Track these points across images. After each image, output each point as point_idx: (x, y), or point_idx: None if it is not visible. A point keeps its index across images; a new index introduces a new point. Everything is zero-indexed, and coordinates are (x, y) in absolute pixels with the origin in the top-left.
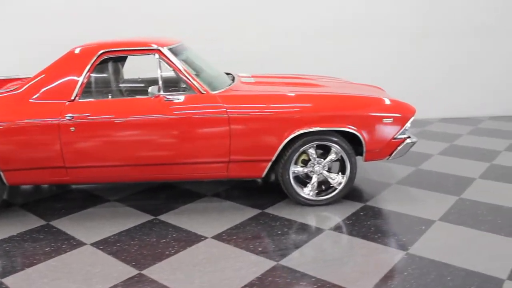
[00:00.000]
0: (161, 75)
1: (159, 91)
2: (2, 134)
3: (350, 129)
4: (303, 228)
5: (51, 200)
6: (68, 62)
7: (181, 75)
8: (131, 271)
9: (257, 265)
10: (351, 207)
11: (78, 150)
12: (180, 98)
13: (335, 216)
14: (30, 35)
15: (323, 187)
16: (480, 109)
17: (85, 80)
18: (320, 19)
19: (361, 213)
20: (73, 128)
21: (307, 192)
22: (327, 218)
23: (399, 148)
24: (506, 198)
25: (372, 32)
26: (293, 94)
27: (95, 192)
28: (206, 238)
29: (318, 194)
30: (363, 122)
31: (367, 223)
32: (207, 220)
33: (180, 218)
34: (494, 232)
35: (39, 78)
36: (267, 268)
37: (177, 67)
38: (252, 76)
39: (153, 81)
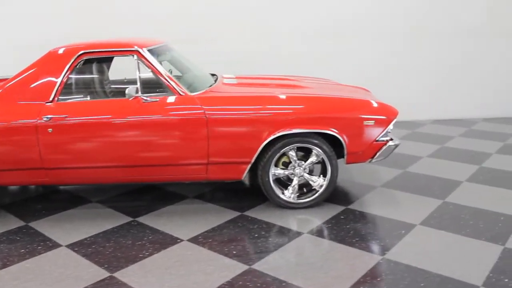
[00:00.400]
0: (140, 76)
1: (137, 92)
2: None
3: (330, 131)
4: (281, 231)
5: (34, 201)
6: (47, 63)
7: (159, 77)
8: (103, 274)
9: (229, 268)
10: (332, 210)
11: (56, 151)
12: (158, 99)
13: (315, 219)
14: (26, 35)
15: (305, 190)
16: (475, 110)
17: (64, 81)
18: (319, 20)
19: (342, 217)
20: (51, 129)
21: (288, 194)
22: (306, 221)
23: (381, 150)
24: (491, 201)
25: (365, 32)
26: (273, 96)
27: (79, 193)
28: (182, 240)
29: (300, 196)
30: (344, 124)
31: (347, 226)
32: (185, 222)
33: (159, 220)
34: (475, 237)
35: (18, 79)
36: (239, 272)
37: (155, 68)
38: (236, 77)
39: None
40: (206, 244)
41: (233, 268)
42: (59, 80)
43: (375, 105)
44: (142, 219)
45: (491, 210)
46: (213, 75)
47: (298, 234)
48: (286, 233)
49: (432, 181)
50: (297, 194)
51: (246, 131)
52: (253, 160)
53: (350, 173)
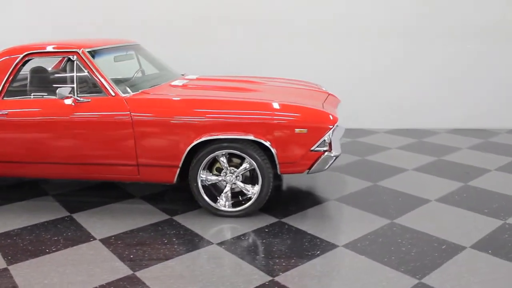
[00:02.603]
0: (76, 77)
1: (70, 92)
2: None
3: (256, 138)
4: (193, 239)
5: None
6: None
7: (94, 77)
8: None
9: (113, 272)
10: (263, 222)
11: None
12: (90, 100)
13: (237, 230)
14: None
15: (240, 198)
16: (502, 120)
17: (9, 80)
18: (324, 18)
19: (266, 230)
20: None
21: (222, 202)
22: (226, 232)
23: (318, 161)
24: (445, 226)
25: (377, 33)
26: (200, 99)
27: (43, 185)
28: (94, 240)
29: (235, 205)
30: (271, 131)
31: (263, 241)
32: (112, 222)
33: (90, 218)
34: (394, 267)
35: None
36: (119, 277)
37: (91, 69)
38: (196, 79)
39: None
40: (113, 245)
41: (118, 272)
42: (4, 79)
43: (309, 112)
44: (76, 215)
45: (438, 236)
46: (182, 75)
47: (208, 244)
48: (195, 242)
49: (396, 198)
50: (232, 202)
51: (170, 134)
52: (180, 164)
53: (313, 182)
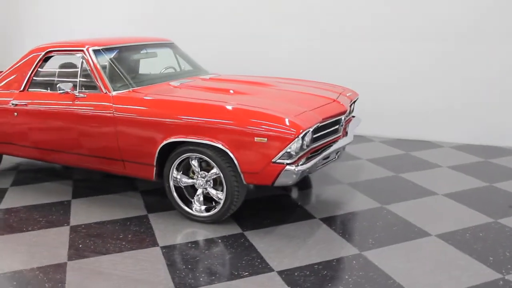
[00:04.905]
0: (81, 73)
1: (70, 87)
2: None
3: (215, 143)
4: (145, 239)
5: (26, 172)
6: (26, 59)
7: (92, 74)
8: None
9: (51, 258)
10: (224, 231)
11: (19, 131)
12: (86, 95)
13: (193, 235)
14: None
15: (214, 204)
16: None
17: (33, 74)
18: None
19: (219, 240)
20: (16, 113)
21: (196, 206)
22: (181, 236)
23: (280, 175)
24: (418, 272)
25: (420, 33)
26: (174, 101)
27: (73, 170)
28: (67, 225)
29: (209, 209)
30: (231, 138)
31: (204, 251)
32: (95, 211)
33: (82, 205)
34: None
35: (8, 71)
36: (52, 263)
37: (91, 66)
38: (210, 79)
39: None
40: (76, 233)
41: (55, 259)
42: (29, 73)
43: (271, 120)
44: (74, 201)
45: (399, 282)
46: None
47: (153, 245)
48: (144, 242)
49: (390, 227)
50: (206, 206)
51: (143, 134)
52: (155, 163)
53: (315, 195)
